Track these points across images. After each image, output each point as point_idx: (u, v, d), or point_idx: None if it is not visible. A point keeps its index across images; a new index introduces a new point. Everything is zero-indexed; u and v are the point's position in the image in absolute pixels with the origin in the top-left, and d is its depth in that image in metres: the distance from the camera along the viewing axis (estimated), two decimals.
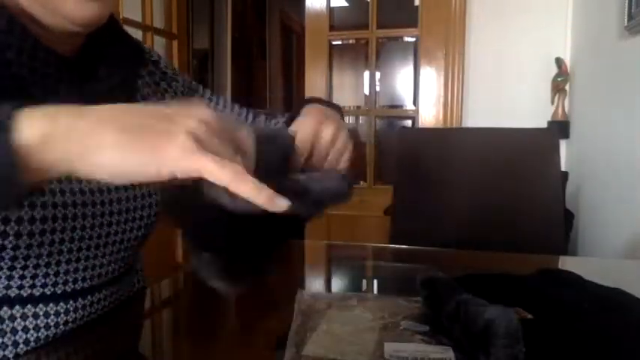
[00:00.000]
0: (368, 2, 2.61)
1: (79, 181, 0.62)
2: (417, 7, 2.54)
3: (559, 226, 1.40)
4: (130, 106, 0.43)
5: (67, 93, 0.61)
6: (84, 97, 0.60)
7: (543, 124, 2.28)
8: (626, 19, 1.56)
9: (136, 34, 2.32)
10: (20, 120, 0.39)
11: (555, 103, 2.29)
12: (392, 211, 1.52)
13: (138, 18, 2.42)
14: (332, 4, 2.70)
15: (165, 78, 0.82)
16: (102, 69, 0.65)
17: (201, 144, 0.40)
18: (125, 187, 0.68)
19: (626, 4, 1.55)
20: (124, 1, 2.10)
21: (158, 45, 2.63)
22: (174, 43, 2.76)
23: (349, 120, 5.18)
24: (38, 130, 0.39)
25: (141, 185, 0.66)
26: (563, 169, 2.16)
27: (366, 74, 3.44)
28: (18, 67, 0.56)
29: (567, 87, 2.26)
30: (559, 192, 1.43)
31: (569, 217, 2.04)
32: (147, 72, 0.78)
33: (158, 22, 2.65)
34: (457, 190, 1.48)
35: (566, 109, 2.27)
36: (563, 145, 2.23)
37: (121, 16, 2.10)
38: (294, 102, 5.42)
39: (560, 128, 2.20)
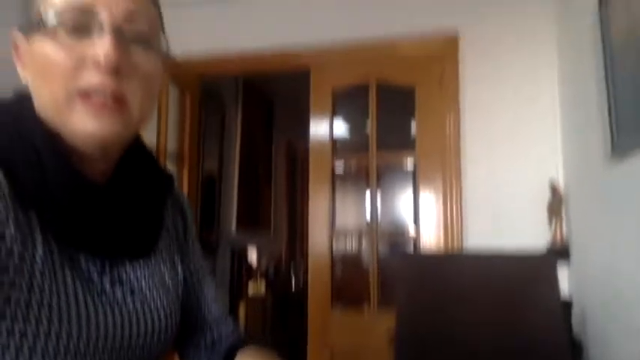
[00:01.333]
0: (368, 129, 2.75)
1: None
2: (414, 134, 2.67)
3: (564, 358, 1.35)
4: None
5: (96, 219, 0.62)
6: (112, 226, 0.64)
7: (544, 245, 2.29)
8: (610, 147, 1.63)
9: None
10: None
11: (553, 227, 2.31)
12: (395, 340, 1.48)
13: (152, 138, 2.56)
14: (335, 132, 2.85)
15: (179, 212, 0.84)
16: (131, 198, 0.67)
17: None
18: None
19: (609, 132, 1.63)
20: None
21: (169, 167, 2.74)
22: (185, 170, 2.88)
23: (352, 244, 5.18)
24: None
25: None
26: (566, 293, 2.14)
27: (368, 198, 3.52)
28: (47, 189, 0.59)
29: (563, 210, 2.29)
30: (559, 322, 1.40)
31: (577, 349, 1.95)
32: (171, 202, 0.80)
33: (170, 143, 2.78)
34: (459, 320, 1.45)
35: (565, 232, 2.28)
36: (564, 269, 2.22)
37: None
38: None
39: (559, 252, 2.20)
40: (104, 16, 0.60)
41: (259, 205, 4.65)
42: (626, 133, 1.49)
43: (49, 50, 0.59)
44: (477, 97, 2.54)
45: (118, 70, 0.59)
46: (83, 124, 0.59)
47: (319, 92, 2.82)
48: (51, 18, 0.59)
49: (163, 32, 0.70)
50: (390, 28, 2.66)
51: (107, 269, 0.65)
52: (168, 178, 0.77)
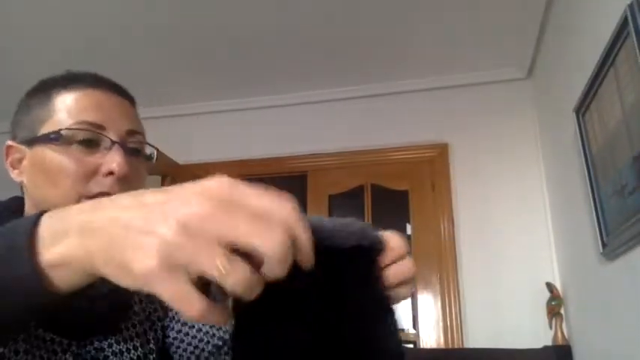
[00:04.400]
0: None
1: None
2: (409, 235, 2.73)
3: None
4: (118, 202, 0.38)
5: (70, 303, 0.64)
6: (83, 307, 0.67)
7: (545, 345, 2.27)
8: (600, 247, 1.69)
9: None
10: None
11: (554, 327, 2.30)
12: None
13: None
14: None
15: None
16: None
17: (177, 254, 0.33)
18: None
19: (598, 233, 1.70)
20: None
21: None
22: None
23: None
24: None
25: None
26: None
27: None
28: None
29: (562, 310, 2.30)
30: None
31: None
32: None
33: None
34: None
35: (565, 332, 2.28)
36: None
37: None
38: None
39: (562, 353, 2.19)
40: (112, 133, 0.71)
41: None
42: (615, 235, 1.55)
43: (62, 160, 0.68)
44: (468, 200, 2.63)
45: (126, 179, 0.69)
46: None
47: (315, 196, 2.92)
48: (64, 133, 0.69)
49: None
50: (383, 139, 2.83)
51: (73, 348, 0.67)
52: None
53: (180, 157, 2.78)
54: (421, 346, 2.51)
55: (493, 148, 2.67)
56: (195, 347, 0.80)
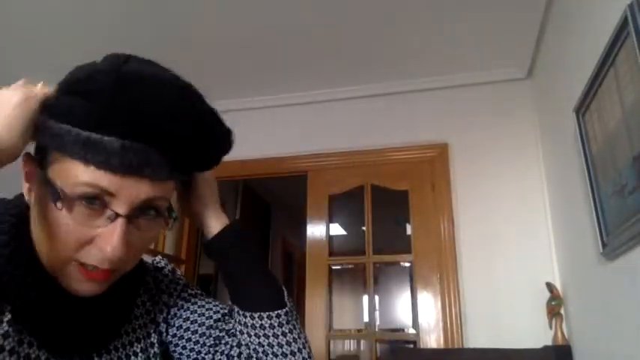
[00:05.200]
0: (364, 231, 2.82)
1: None
2: (409, 235, 2.74)
3: None
4: None
5: (65, 319, 0.65)
6: (76, 324, 0.66)
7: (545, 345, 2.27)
8: (600, 247, 1.69)
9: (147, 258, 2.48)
10: None
11: (554, 327, 2.31)
12: None
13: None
14: (331, 233, 2.91)
15: (165, 281, 0.86)
16: (105, 297, 0.68)
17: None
18: None
19: (598, 233, 1.70)
20: None
21: None
22: (182, 267, 2.90)
23: (350, 345, 5.05)
24: None
25: None
26: None
27: (365, 298, 3.50)
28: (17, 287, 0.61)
29: (562, 310, 2.30)
30: None
31: None
32: (144, 290, 0.82)
33: (169, 249, 2.83)
34: None
35: (565, 332, 2.28)
36: None
37: None
38: None
39: (562, 353, 2.19)
40: (122, 202, 0.61)
41: None
42: (615, 235, 1.55)
43: (60, 219, 0.61)
44: (468, 200, 2.63)
45: (120, 260, 0.62)
46: (73, 285, 0.64)
47: (316, 196, 2.92)
48: (70, 191, 0.60)
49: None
50: (383, 139, 2.83)
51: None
52: (140, 264, 0.79)
53: None
54: (421, 346, 2.52)
55: (493, 148, 2.67)
56: (196, 342, 0.79)
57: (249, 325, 0.76)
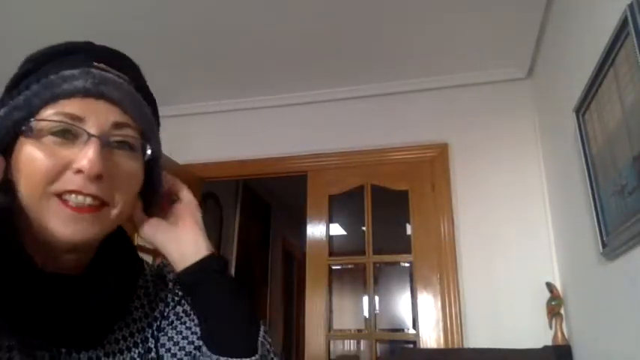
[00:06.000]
0: (364, 231, 2.82)
1: None
2: (409, 235, 2.74)
3: None
4: None
5: (54, 309, 0.62)
6: (67, 315, 0.63)
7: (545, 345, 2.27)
8: (600, 247, 1.69)
9: (148, 258, 2.46)
10: None
11: (554, 327, 2.31)
12: None
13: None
14: (331, 233, 2.91)
15: (165, 290, 0.82)
16: (100, 287, 0.67)
17: None
18: None
19: (598, 233, 1.70)
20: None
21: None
22: None
23: (350, 345, 5.04)
24: None
25: None
26: None
27: (365, 298, 3.50)
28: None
29: (562, 310, 2.30)
30: None
31: None
32: (144, 293, 0.79)
33: None
34: None
35: (565, 332, 2.28)
36: None
37: (135, 243, 2.27)
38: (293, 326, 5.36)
39: (562, 353, 2.19)
40: (91, 126, 0.63)
41: (255, 305, 4.59)
42: (615, 235, 1.55)
43: (32, 153, 0.61)
44: (468, 200, 2.63)
45: (99, 177, 0.61)
46: (59, 227, 0.61)
47: (316, 196, 2.92)
48: (40, 123, 0.61)
49: (155, 136, 0.72)
50: (383, 139, 2.83)
51: (63, 356, 0.64)
52: (139, 263, 0.78)
53: (180, 157, 2.78)
54: (421, 346, 2.52)
55: (493, 148, 2.67)
56: (185, 354, 0.77)
57: None
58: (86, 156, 0.61)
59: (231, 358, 0.69)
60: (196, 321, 0.78)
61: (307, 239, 2.89)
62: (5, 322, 0.59)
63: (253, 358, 0.70)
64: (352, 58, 2.68)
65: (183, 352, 0.76)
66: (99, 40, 0.75)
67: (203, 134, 3.09)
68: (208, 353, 0.71)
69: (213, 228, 3.98)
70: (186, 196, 0.79)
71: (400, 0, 2.23)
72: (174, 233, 0.75)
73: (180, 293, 0.81)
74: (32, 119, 0.62)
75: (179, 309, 0.80)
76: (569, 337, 2.27)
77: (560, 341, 2.26)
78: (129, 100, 0.67)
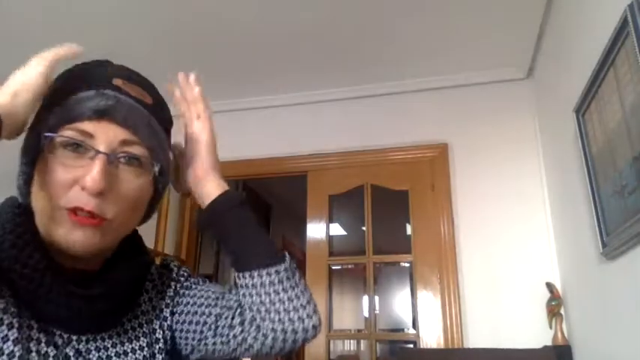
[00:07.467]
0: (364, 231, 2.82)
1: None
2: (409, 235, 2.74)
3: None
4: None
5: (74, 298, 0.67)
6: (87, 303, 0.68)
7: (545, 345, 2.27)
8: (600, 246, 1.69)
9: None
10: None
11: (554, 327, 2.31)
12: None
13: (150, 244, 2.61)
14: (331, 233, 2.91)
15: (174, 280, 0.87)
16: (112, 283, 0.72)
17: None
18: None
19: (598, 233, 1.70)
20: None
21: None
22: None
23: (350, 345, 5.04)
24: None
25: None
26: None
27: (365, 298, 3.50)
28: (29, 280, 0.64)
29: (562, 310, 2.30)
30: None
31: None
32: (152, 286, 0.84)
33: (169, 249, 2.83)
34: None
35: (566, 332, 2.28)
36: None
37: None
38: None
39: (562, 353, 2.19)
40: (100, 142, 0.68)
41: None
42: (615, 235, 1.55)
43: (50, 166, 0.66)
44: (468, 200, 2.63)
45: (101, 193, 0.66)
46: (67, 235, 0.66)
47: (316, 196, 2.92)
48: (56, 138, 0.67)
49: (165, 153, 0.78)
50: (383, 139, 2.83)
51: (74, 343, 0.68)
52: (147, 263, 0.83)
53: None
54: (421, 346, 2.51)
55: (493, 148, 2.67)
56: (197, 323, 0.80)
57: (249, 285, 0.76)
58: (91, 174, 0.65)
59: (264, 268, 0.76)
60: (209, 283, 0.86)
61: (307, 239, 2.89)
62: (27, 308, 0.65)
63: (283, 265, 0.77)
64: (352, 58, 2.68)
65: (204, 307, 0.81)
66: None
67: None
68: (241, 274, 0.77)
69: None
70: (200, 132, 0.94)
71: (400, 0, 2.23)
72: (197, 172, 0.85)
73: (185, 274, 0.88)
74: (49, 134, 0.67)
75: (187, 283, 0.86)
76: (569, 337, 2.27)
77: (560, 341, 2.26)
78: (139, 120, 0.72)
